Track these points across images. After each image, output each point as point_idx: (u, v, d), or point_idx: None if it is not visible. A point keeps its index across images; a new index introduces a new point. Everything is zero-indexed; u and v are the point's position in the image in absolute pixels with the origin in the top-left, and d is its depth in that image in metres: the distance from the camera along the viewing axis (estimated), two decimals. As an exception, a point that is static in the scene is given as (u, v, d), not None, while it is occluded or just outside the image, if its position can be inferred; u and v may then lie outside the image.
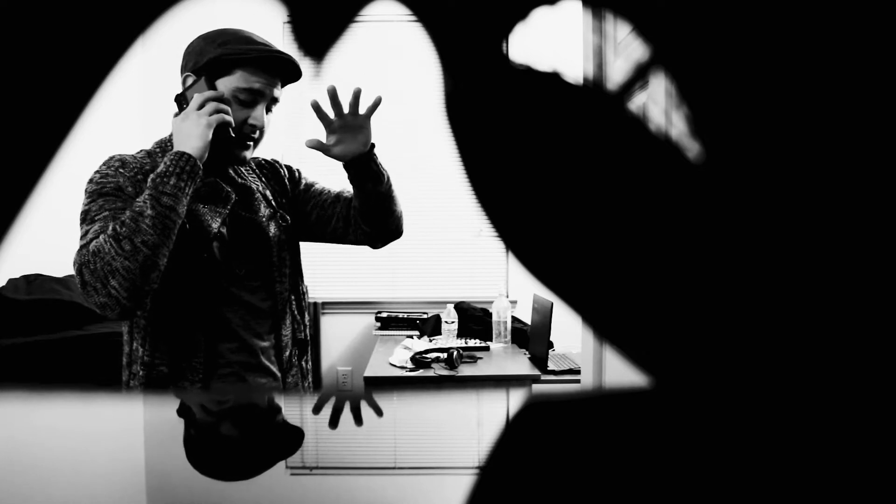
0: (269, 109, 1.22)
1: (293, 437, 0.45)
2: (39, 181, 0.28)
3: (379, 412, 0.43)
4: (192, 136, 1.10)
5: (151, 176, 1.07)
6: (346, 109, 1.20)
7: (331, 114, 1.21)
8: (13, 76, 0.27)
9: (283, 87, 1.23)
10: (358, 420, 0.41)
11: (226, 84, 1.16)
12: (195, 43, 1.19)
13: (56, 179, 0.29)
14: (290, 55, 1.19)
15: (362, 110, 1.22)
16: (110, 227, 1.04)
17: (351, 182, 1.27)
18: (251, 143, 1.21)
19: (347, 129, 1.22)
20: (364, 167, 1.24)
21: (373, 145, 1.25)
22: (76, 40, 0.27)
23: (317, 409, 0.44)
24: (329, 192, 1.37)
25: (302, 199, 1.36)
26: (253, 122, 1.19)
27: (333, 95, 1.18)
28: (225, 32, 1.18)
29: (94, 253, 1.03)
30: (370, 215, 1.29)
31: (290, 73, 1.21)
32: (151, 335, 1.17)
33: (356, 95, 1.20)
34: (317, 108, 1.21)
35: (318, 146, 1.24)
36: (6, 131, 0.27)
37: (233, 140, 1.17)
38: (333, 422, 0.41)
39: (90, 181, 1.13)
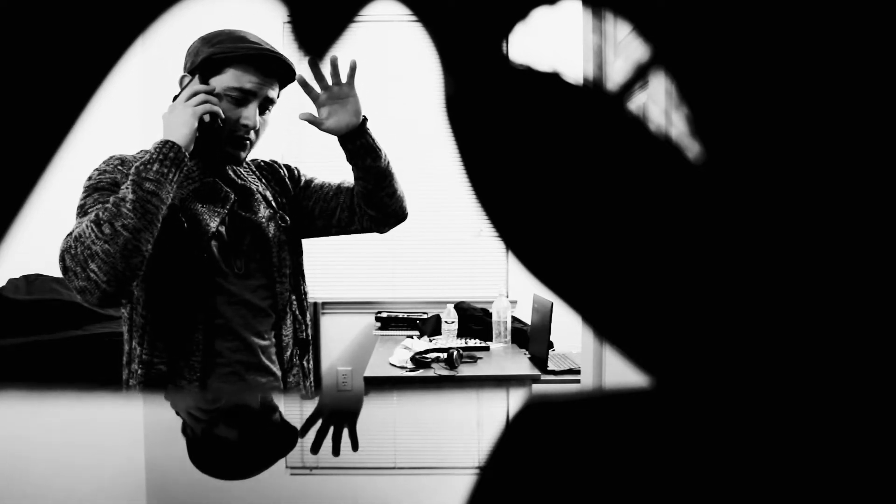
0: (265, 110, 1.22)
1: (289, 437, 0.45)
2: (39, 181, 0.28)
3: (355, 446, 0.43)
4: (177, 124, 1.11)
5: (136, 164, 1.08)
6: (329, 81, 1.22)
7: (317, 89, 1.23)
8: (13, 76, 0.27)
9: (281, 88, 1.24)
10: (336, 451, 0.41)
11: (219, 83, 1.17)
12: (193, 44, 1.21)
13: (56, 179, 0.29)
14: (282, 54, 1.20)
15: (343, 79, 1.23)
16: (93, 214, 1.04)
17: (349, 161, 1.28)
18: (247, 143, 1.22)
19: (335, 101, 1.23)
20: (359, 140, 1.25)
21: (365, 118, 1.26)
22: (76, 40, 0.27)
23: (303, 433, 0.44)
24: (330, 184, 1.38)
25: (303, 195, 1.36)
26: (245, 122, 1.19)
27: (314, 66, 1.19)
28: (221, 33, 1.19)
29: (75, 238, 1.03)
30: (372, 197, 1.29)
31: (285, 73, 1.22)
32: (150, 334, 1.17)
33: (333, 64, 1.22)
34: (303, 83, 1.22)
35: (310, 119, 1.25)
36: (6, 131, 0.27)
37: (223, 133, 1.18)
38: (315, 448, 0.41)
39: (88, 178, 1.14)
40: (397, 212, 1.34)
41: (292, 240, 1.32)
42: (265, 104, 1.21)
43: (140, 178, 1.05)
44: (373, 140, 1.26)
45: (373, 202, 1.30)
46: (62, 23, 0.27)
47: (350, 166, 1.29)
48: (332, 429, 0.46)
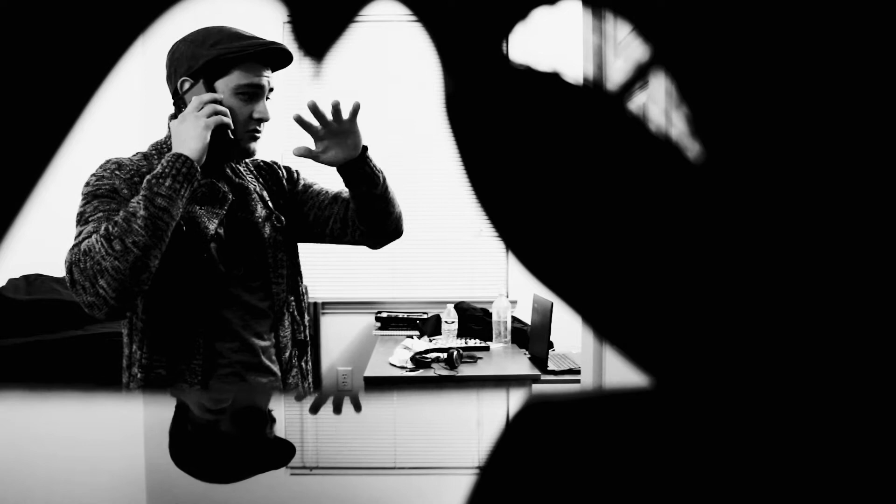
0: (266, 98, 1.23)
1: (285, 451, 0.44)
2: (39, 181, 0.28)
3: (358, 408, 0.43)
4: (191, 137, 1.10)
5: (147, 177, 1.07)
6: (329, 117, 1.21)
7: (314, 123, 1.22)
8: (13, 76, 0.27)
9: (273, 72, 1.24)
10: (338, 409, 0.41)
11: (226, 84, 1.16)
12: (181, 48, 1.19)
13: (56, 179, 0.29)
14: (283, 45, 1.19)
15: (345, 116, 1.21)
16: (102, 228, 1.04)
17: (346, 185, 1.27)
18: (259, 136, 1.22)
19: (334, 135, 1.22)
20: (357, 170, 1.24)
21: (365, 147, 1.24)
22: (76, 40, 0.27)
23: (314, 410, 0.44)
24: (327, 192, 1.36)
25: (300, 199, 1.35)
26: (259, 116, 1.19)
27: (314, 109, 1.19)
28: (210, 32, 1.18)
29: (84, 252, 1.02)
30: (367, 216, 1.29)
31: (281, 60, 1.22)
32: (149, 337, 1.17)
33: (335, 107, 1.20)
34: (299, 120, 1.21)
35: (306, 154, 1.23)
36: (6, 131, 0.27)
37: (232, 142, 1.18)
38: (314, 408, 0.41)
39: (86, 184, 1.13)
40: (391, 231, 1.33)
41: (288, 240, 1.32)
42: (269, 93, 1.22)
43: (152, 192, 1.04)
44: (371, 168, 1.24)
45: (366, 220, 1.29)
46: (62, 23, 0.27)
47: (347, 189, 1.28)
48: (333, 397, 0.46)
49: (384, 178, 1.27)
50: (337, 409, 0.41)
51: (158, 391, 1.16)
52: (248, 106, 1.18)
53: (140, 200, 1.04)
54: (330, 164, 1.24)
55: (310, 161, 1.24)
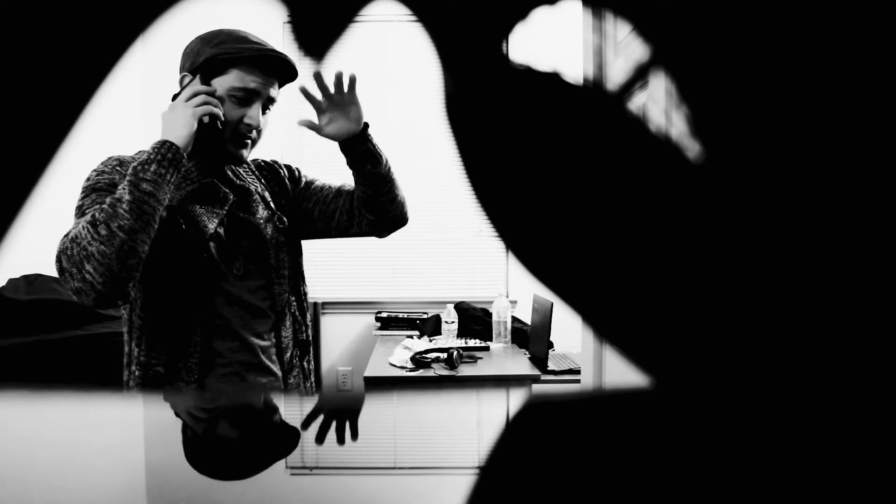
0: (265, 109, 1.23)
1: (290, 438, 0.45)
2: (40, 181, 0.28)
3: (355, 436, 0.44)
4: (177, 125, 1.11)
5: (133, 164, 1.07)
6: (331, 90, 1.23)
7: (318, 96, 1.24)
8: (13, 76, 0.27)
9: (280, 87, 1.24)
10: (340, 440, 0.41)
11: (221, 83, 1.17)
12: (192, 44, 1.21)
13: (56, 179, 0.29)
14: (285, 54, 1.20)
15: (345, 88, 1.24)
16: (89, 215, 1.04)
17: (350, 166, 1.28)
18: (248, 143, 1.22)
19: (336, 107, 1.24)
20: (360, 146, 1.25)
21: (366, 124, 1.27)
22: (76, 40, 0.27)
23: (305, 426, 0.44)
24: (330, 187, 1.38)
25: (303, 197, 1.36)
26: (248, 122, 1.19)
27: (319, 79, 1.21)
28: (221, 33, 1.20)
29: (71, 239, 1.03)
30: (372, 202, 1.30)
31: (286, 72, 1.22)
32: (147, 335, 1.17)
33: (338, 77, 1.22)
34: (304, 91, 1.22)
35: (310, 125, 1.25)
36: (6, 131, 0.27)
37: (222, 135, 1.18)
38: (319, 439, 0.41)
39: (87, 178, 1.15)
40: (397, 217, 1.34)
41: (291, 241, 1.32)
42: (267, 103, 1.22)
43: (137, 178, 1.05)
44: (374, 146, 1.27)
45: (372, 207, 1.31)
46: (63, 22, 0.27)
47: (351, 171, 1.30)
48: (334, 421, 0.46)
49: (387, 160, 1.29)
50: (340, 440, 0.42)
51: (158, 390, 1.16)
52: (238, 109, 1.19)
53: (125, 186, 1.05)
54: (333, 136, 1.26)
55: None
